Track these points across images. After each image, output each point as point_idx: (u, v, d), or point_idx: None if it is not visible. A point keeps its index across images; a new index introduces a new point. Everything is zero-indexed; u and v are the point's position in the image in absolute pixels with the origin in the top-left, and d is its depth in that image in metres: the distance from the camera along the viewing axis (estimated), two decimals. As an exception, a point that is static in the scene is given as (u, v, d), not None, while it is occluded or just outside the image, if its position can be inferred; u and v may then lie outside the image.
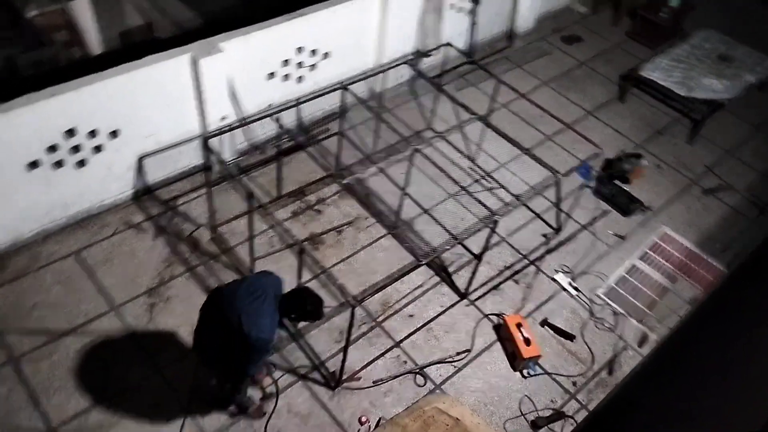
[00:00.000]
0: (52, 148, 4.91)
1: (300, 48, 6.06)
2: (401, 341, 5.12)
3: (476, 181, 6.44)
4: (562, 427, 4.76)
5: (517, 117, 7.18)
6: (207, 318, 3.98)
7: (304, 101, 5.78)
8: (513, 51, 8.28)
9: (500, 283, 5.66)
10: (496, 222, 4.95)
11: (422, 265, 4.91)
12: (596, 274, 5.86)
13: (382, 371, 4.92)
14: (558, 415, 4.78)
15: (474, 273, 5.36)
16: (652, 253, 6.13)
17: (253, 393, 4.56)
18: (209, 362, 4.26)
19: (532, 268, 5.82)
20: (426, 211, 6.06)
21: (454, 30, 7.39)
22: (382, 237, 5.82)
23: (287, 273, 5.14)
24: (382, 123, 5.68)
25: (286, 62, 6.04)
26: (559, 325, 5.38)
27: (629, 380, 1.59)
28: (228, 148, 6.04)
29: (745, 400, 1.30)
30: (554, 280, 5.75)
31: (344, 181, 5.18)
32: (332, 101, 6.27)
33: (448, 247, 5.28)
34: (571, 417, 4.82)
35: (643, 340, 5.36)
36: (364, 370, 4.90)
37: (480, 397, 4.88)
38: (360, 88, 6.46)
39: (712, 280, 5.90)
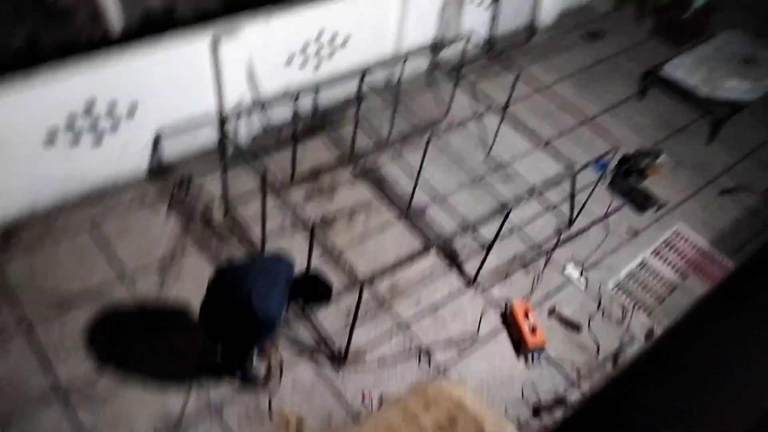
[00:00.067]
0: (71, 122, 5.00)
1: (320, 33, 6.11)
2: (407, 323, 5.15)
3: (491, 171, 6.44)
4: (563, 414, 4.76)
5: (536, 110, 7.17)
6: (215, 293, 4.05)
7: (322, 86, 5.83)
8: (534, 45, 8.26)
9: (510, 271, 5.66)
10: (508, 212, 4.96)
11: (432, 249, 4.94)
12: (607, 267, 5.84)
13: (387, 351, 4.95)
14: (559, 402, 4.78)
15: (484, 261, 5.37)
16: (664, 250, 6.09)
17: (259, 366, 4.61)
18: (215, 337, 4.34)
19: (542, 258, 5.82)
20: (439, 199, 6.08)
21: (475, 21, 7.39)
22: (393, 222, 5.85)
23: (298, 253, 5.20)
24: (399, 110, 5.70)
25: (306, 45, 6.09)
26: (566, 316, 5.37)
27: (625, 368, 1.60)
28: (244, 129, 6.11)
29: (742, 395, 1.31)
30: (564, 271, 5.74)
31: (358, 166, 5.21)
32: (350, 87, 6.31)
33: (459, 234, 5.31)
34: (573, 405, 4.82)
35: (649, 334, 5.34)
36: (370, 350, 4.94)
37: (483, 381, 4.90)
38: (378, 75, 6.49)
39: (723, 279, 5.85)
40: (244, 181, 5.90)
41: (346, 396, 4.65)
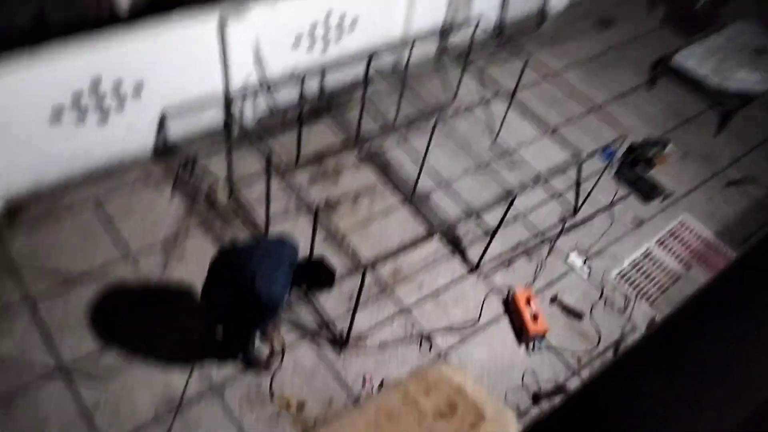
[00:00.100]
0: (78, 98, 4.99)
1: (328, 15, 6.06)
2: (409, 308, 5.16)
3: (497, 157, 6.41)
4: (560, 401, 4.77)
5: (544, 97, 7.12)
6: (218, 274, 4.05)
7: (329, 68, 5.80)
8: (544, 31, 8.19)
9: (513, 258, 5.66)
10: (513, 198, 4.94)
11: (435, 234, 4.93)
12: (611, 256, 5.82)
13: (388, 335, 4.97)
14: (559, 389, 4.79)
15: (487, 247, 5.37)
16: (668, 240, 6.08)
17: (261, 348, 4.63)
18: (217, 318, 4.35)
19: (546, 246, 5.81)
20: (444, 184, 6.06)
21: (485, 5, 7.31)
22: (397, 207, 5.84)
23: (301, 236, 5.21)
24: (406, 94, 5.67)
25: (314, 26, 6.04)
26: (568, 304, 5.37)
27: (622, 356, 1.60)
28: (250, 110, 6.09)
29: (741, 385, 1.30)
30: (568, 259, 5.73)
31: (363, 150, 5.19)
32: (357, 69, 6.27)
33: (463, 220, 5.30)
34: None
35: (651, 324, 5.33)
36: (371, 333, 4.95)
37: (483, 367, 4.91)
38: (386, 58, 6.45)
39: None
40: (249, 162, 5.89)
41: (347, 379, 4.67)
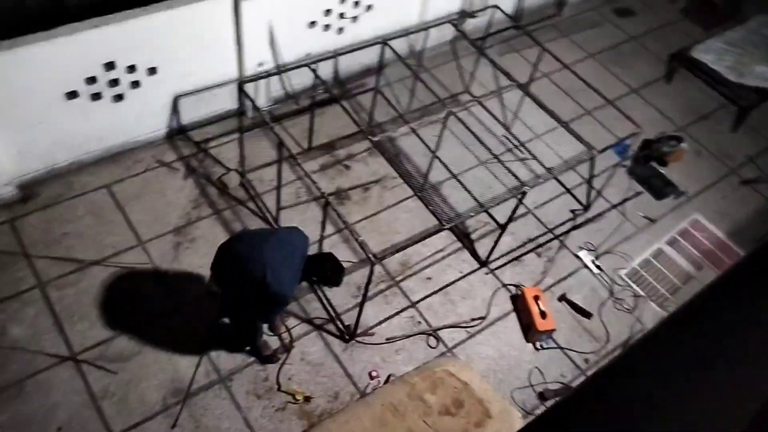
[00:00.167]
0: (92, 80, 4.96)
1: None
2: (417, 302, 5.16)
3: (509, 150, 6.36)
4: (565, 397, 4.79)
5: (558, 88, 7.04)
6: (229, 263, 4.03)
7: (343, 53, 5.73)
8: (562, 19, 8.06)
9: (522, 254, 5.64)
10: (524, 193, 4.90)
11: (445, 229, 4.91)
12: (621, 254, 5.79)
13: (396, 329, 4.98)
14: (566, 389, 4.80)
15: (496, 242, 5.34)
16: (680, 239, 6.04)
17: (268, 339, 4.64)
18: (226, 308, 4.36)
19: (555, 242, 5.78)
20: (455, 176, 6.02)
21: (503, -7, 7.20)
22: (408, 198, 5.81)
23: (311, 225, 5.21)
24: (419, 82, 5.61)
25: (328, 11, 5.96)
26: (577, 302, 5.36)
27: (622, 354, 1.58)
28: (263, 95, 6.04)
29: (743, 384, 1.28)
30: (577, 256, 5.70)
31: (375, 139, 5.15)
32: (371, 56, 6.20)
33: (473, 214, 5.27)
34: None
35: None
36: (379, 327, 4.96)
37: (490, 365, 4.92)
38: (400, 45, 6.36)
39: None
40: (261, 147, 5.87)
41: (353, 373, 4.70)
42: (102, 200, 5.29)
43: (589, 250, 5.76)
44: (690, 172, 6.62)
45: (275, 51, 5.80)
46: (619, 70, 7.56)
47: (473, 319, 5.14)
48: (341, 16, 6.10)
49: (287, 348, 4.68)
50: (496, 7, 6.62)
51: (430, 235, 4.94)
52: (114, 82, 5.09)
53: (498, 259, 5.54)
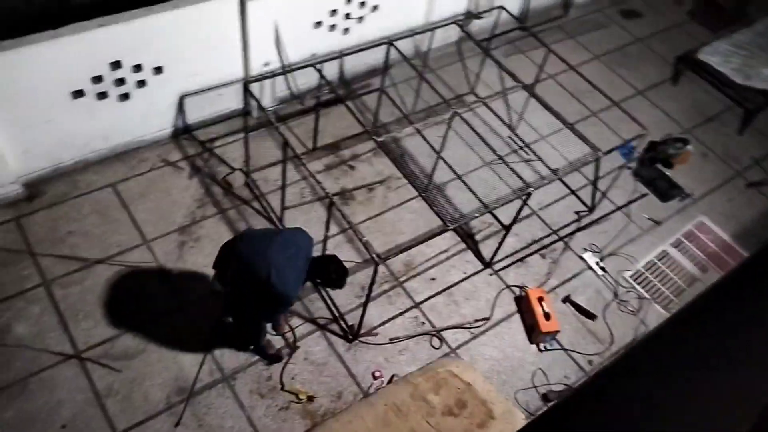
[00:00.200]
0: (98, 79, 4.98)
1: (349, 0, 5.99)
2: (421, 303, 5.16)
3: (514, 151, 6.35)
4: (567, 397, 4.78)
5: (564, 89, 7.02)
6: (233, 262, 4.03)
7: (348, 54, 5.74)
8: (568, 20, 8.05)
9: (526, 255, 5.63)
10: (529, 194, 4.89)
11: (449, 230, 4.90)
12: (626, 256, 5.78)
13: (399, 330, 4.97)
14: (570, 390, 4.79)
15: (501, 243, 5.34)
16: (685, 241, 6.02)
17: (272, 339, 4.65)
18: (229, 307, 4.36)
19: (560, 244, 5.77)
20: (459, 177, 6.02)
21: (509, -6, 7.20)
22: (412, 198, 5.81)
23: (315, 225, 5.22)
24: (424, 83, 5.61)
25: (334, 11, 5.97)
26: (581, 304, 5.35)
27: (623, 355, 1.58)
28: (268, 94, 6.05)
29: (745, 387, 1.28)
30: (582, 258, 5.69)
31: (380, 139, 5.15)
32: (376, 56, 6.20)
33: (477, 215, 5.27)
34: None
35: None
36: (382, 327, 4.96)
37: (494, 366, 4.92)
38: (406, 45, 6.36)
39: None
40: (266, 147, 5.88)
41: (357, 373, 4.70)
42: (107, 199, 5.31)
43: (594, 251, 5.75)
44: (696, 174, 6.60)
45: (281, 51, 5.81)
46: (625, 71, 7.55)
47: (477, 320, 5.14)
48: (347, 16, 6.10)
49: (292, 348, 4.68)
50: (502, 8, 6.62)
51: (434, 235, 4.94)
52: (120, 82, 5.11)
53: (502, 260, 5.53)
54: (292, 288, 3.86)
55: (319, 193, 5.60)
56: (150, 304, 4.78)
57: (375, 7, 6.24)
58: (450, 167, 5.97)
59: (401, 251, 4.59)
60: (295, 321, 4.84)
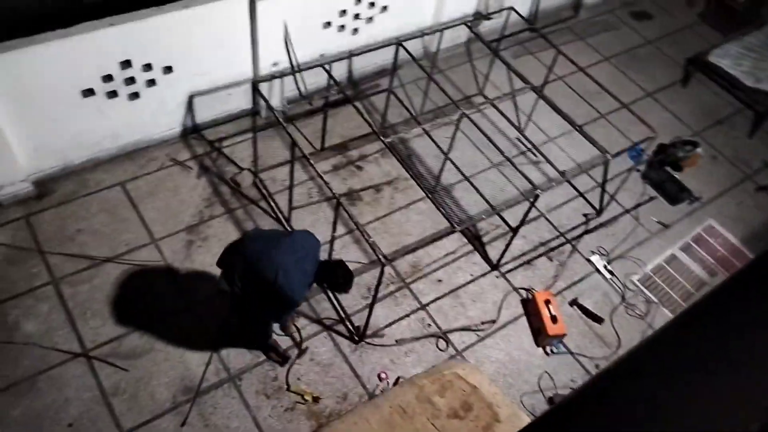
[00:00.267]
0: (108, 78, 5.00)
1: (358, 0, 5.98)
2: (427, 304, 5.16)
3: (522, 152, 6.34)
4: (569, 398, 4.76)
5: (573, 91, 6.96)
6: (240, 260, 4.03)
7: (357, 54, 5.74)
8: (578, 22, 8.02)
9: (534, 258, 5.62)
10: (537, 196, 4.88)
11: (456, 231, 4.90)
12: (634, 259, 5.75)
13: (405, 331, 4.98)
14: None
15: (508, 245, 5.33)
16: (694, 245, 5.99)
17: (279, 341, 4.66)
18: (236, 306, 4.37)
19: (567, 246, 5.75)
20: (467, 178, 6.01)
21: (518, -6, 7.17)
22: (419, 200, 5.80)
23: (322, 225, 5.23)
24: (432, 84, 5.61)
25: (343, 12, 5.97)
26: (588, 307, 5.33)
27: (627, 356, 1.57)
28: (277, 94, 6.06)
29: (748, 390, 1.27)
30: (589, 261, 5.67)
31: (388, 140, 5.15)
32: (385, 57, 6.20)
33: (484, 217, 5.26)
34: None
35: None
36: (388, 328, 4.96)
37: (500, 368, 4.91)
38: (415, 46, 6.35)
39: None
40: (274, 147, 5.89)
41: (362, 374, 4.70)
42: (116, 198, 5.33)
43: (602, 254, 5.73)
44: (705, 177, 6.57)
45: (290, 51, 5.81)
46: (634, 73, 7.51)
47: (483, 323, 5.13)
48: (356, 16, 6.10)
49: (300, 349, 4.68)
50: (512, 9, 6.59)
51: (441, 237, 4.95)
52: (130, 80, 5.13)
53: (509, 262, 5.52)
54: (299, 290, 3.88)
55: (327, 194, 5.61)
56: (157, 303, 4.80)
57: (384, 8, 6.24)
58: (458, 168, 5.96)
59: (408, 252, 4.60)
60: (301, 322, 4.85)
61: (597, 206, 6.02)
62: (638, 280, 5.62)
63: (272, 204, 5.52)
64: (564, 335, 5.03)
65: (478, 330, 5.09)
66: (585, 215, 6.01)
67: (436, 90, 5.60)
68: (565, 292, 5.44)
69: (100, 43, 4.79)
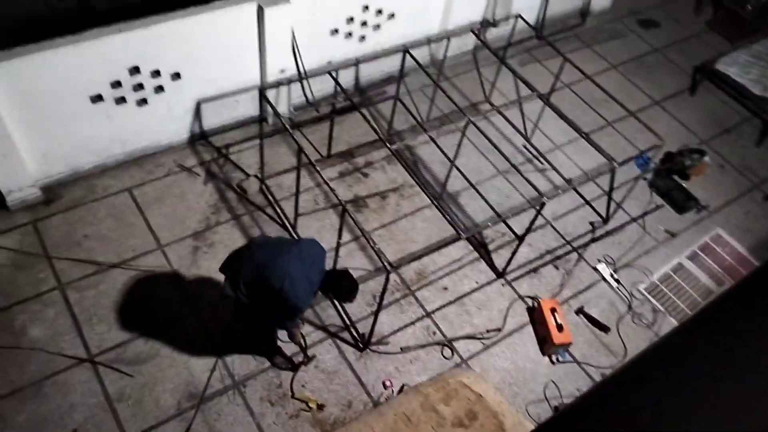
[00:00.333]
0: (116, 84, 5.03)
1: (366, 6, 6.00)
2: (433, 312, 5.14)
3: (528, 160, 6.33)
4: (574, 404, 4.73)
5: (580, 99, 6.97)
6: (246, 266, 4.03)
7: (364, 61, 5.76)
8: (585, 30, 8.02)
9: (540, 266, 5.60)
10: (543, 204, 4.87)
11: (462, 239, 4.89)
12: (640, 268, 5.73)
13: (410, 339, 4.96)
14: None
15: (514, 253, 5.31)
16: (701, 254, 5.96)
17: (284, 348, 4.65)
18: (241, 313, 4.36)
19: (574, 255, 5.73)
20: (473, 186, 5.99)
21: (526, 2, 7.17)
22: (425, 207, 5.80)
23: (328, 232, 5.24)
24: (439, 91, 5.61)
25: (351, 19, 5.99)
26: (594, 316, 5.30)
27: (632, 363, 1.57)
28: (284, 101, 6.08)
29: (753, 398, 1.27)
30: (596, 269, 5.65)
31: (394, 147, 5.15)
32: (392, 64, 6.22)
33: (490, 224, 5.25)
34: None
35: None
36: (393, 336, 4.95)
37: (505, 377, 4.89)
38: (421, 53, 6.37)
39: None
40: (280, 153, 5.90)
41: (367, 382, 4.69)
42: (123, 203, 5.35)
43: (608, 263, 5.71)
44: (712, 186, 6.54)
45: (297, 58, 5.83)
46: (641, 81, 7.50)
47: (489, 331, 5.11)
48: (363, 24, 6.12)
49: (307, 356, 4.67)
50: (519, 16, 6.60)
51: (447, 244, 4.94)
52: (138, 87, 5.16)
53: (515, 270, 5.50)
54: (304, 299, 3.88)
55: (333, 200, 5.61)
56: (163, 309, 4.81)
57: (392, 15, 6.26)
58: (464, 176, 5.95)
59: (413, 259, 4.59)
60: (306, 329, 4.84)
61: (603, 214, 6.00)
62: (645, 289, 5.59)
63: (278, 210, 5.53)
64: (570, 344, 5.01)
65: (484, 338, 5.07)
66: (591, 223, 5.99)
67: (443, 97, 5.60)
68: (572, 300, 5.42)
69: (108, 50, 4.82)
